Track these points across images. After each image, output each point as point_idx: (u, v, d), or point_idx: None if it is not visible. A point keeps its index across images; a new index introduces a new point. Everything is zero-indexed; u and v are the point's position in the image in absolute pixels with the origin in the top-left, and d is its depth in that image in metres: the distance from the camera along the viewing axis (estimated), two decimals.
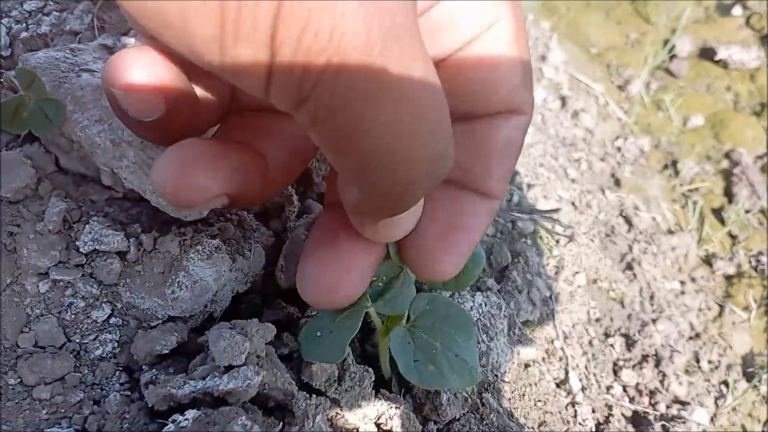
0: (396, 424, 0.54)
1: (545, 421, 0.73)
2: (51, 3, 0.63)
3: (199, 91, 0.38)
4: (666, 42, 1.61)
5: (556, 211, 0.94)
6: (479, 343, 0.68)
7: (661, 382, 0.94)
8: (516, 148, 0.43)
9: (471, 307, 0.69)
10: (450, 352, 0.48)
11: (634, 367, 0.92)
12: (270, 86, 0.28)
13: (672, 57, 1.59)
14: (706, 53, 1.59)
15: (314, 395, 0.51)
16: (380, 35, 0.27)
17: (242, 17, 0.25)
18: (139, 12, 0.27)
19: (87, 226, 0.50)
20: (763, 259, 1.22)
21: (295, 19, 0.25)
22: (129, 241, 0.51)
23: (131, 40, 0.56)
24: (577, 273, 0.96)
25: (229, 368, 0.46)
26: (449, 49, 0.41)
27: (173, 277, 0.50)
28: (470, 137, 0.43)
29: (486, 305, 0.70)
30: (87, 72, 0.51)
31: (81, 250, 0.49)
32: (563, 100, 1.38)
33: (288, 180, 0.46)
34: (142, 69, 0.34)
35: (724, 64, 1.56)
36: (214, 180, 0.36)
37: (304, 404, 0.48)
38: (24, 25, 0.62)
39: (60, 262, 0.49)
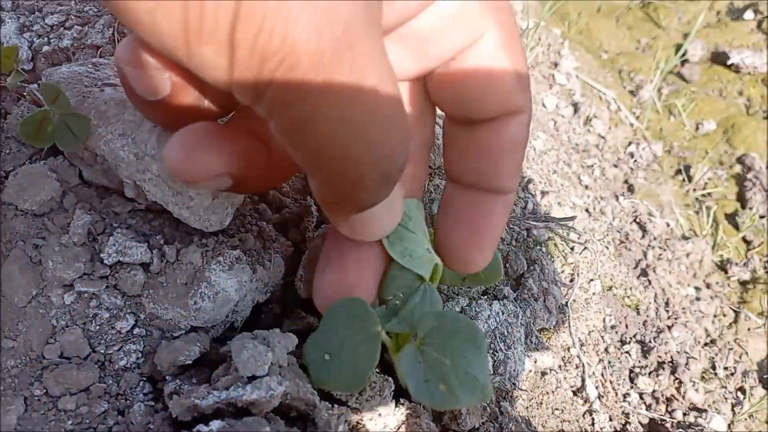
0: None
1: (563, 430, 0.73)
2: (73, 17, 0.64)
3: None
4: (677, 47, 1.61)
5: (572, 219, 0.94)
6: (497, 352, 0.68)
7: (678, 389, 0.93)
8: (521, 144, 0.46)
9: (488, 316, 0.69)
10: (460, 369, 0.46)
11: (650, 374, 0.92)
12: (232, 82, 0.30)
13: (684, 62, 1.59)
14: (718, 58, 1.59)
15: (335, 405, 0.51)
16: (331, 44, 0.28)
17: (204, 17, 0.27)
18: (113, 8, 0.29)
19: (111, 238, 0.50)
20: None
21: (252, 21, 0.27)
22: (152, 253, 0.51)
23: None
24: (592, 280, 0.96)
25: (252, 378, 0.46)
26: (438, 60, 0.42)
27: (196, 288, 0.51)
28: (477, 142, 0.45)
29: (503, 313, 0.70)
30: (110, 86, 0.52)
31: (105, 261, 0.50)
32: (575, 107, 1.38)
33: (291, 170, 0.49)
34: (150, 49, 0.36)
35: (736, 69, 1.56)
36: (216, 160, 0.39)
37: (326, 414, 0.48)
38: (46, 39, 0.63)
39: (84, 273, 0.50)
